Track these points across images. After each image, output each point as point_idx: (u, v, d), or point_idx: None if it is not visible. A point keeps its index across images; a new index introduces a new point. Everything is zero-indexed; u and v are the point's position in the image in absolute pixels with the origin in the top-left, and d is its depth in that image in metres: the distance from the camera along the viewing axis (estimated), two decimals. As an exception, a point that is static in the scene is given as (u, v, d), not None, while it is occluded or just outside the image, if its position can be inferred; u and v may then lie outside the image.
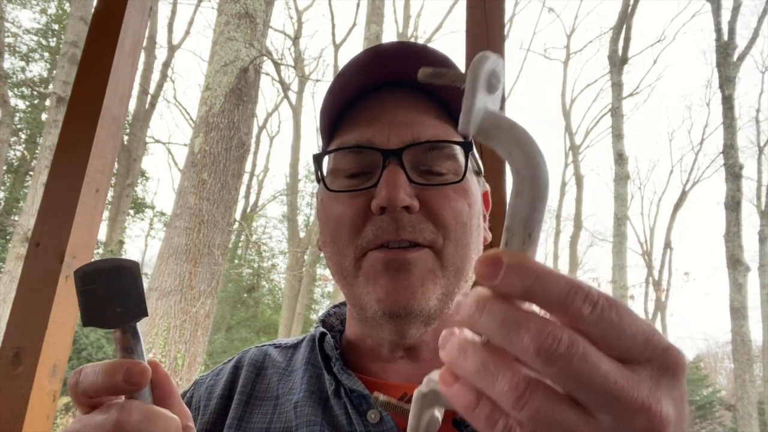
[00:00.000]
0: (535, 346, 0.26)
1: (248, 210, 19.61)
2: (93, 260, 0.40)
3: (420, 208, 0.57)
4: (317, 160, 0.64)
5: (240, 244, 19.41)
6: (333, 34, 16.56)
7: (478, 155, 0.68)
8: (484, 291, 0.29)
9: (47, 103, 13.28)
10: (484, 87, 0.30)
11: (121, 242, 15.44)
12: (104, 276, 0.39)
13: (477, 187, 0.64)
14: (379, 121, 0.61)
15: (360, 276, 0.59)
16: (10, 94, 12.45)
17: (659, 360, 0.28)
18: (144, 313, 0.40)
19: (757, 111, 16.98)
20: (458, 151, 0.61)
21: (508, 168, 0.64)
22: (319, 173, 0.64)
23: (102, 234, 14.40)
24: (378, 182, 0.57)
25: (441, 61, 0.61)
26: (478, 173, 0.66)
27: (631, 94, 18.27)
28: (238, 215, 14.04)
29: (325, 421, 0.59)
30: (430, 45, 0.62)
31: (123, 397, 0.43)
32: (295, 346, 0.71)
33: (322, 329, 0.69)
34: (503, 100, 1.12)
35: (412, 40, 16.00)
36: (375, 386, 0.60)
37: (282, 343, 0.73)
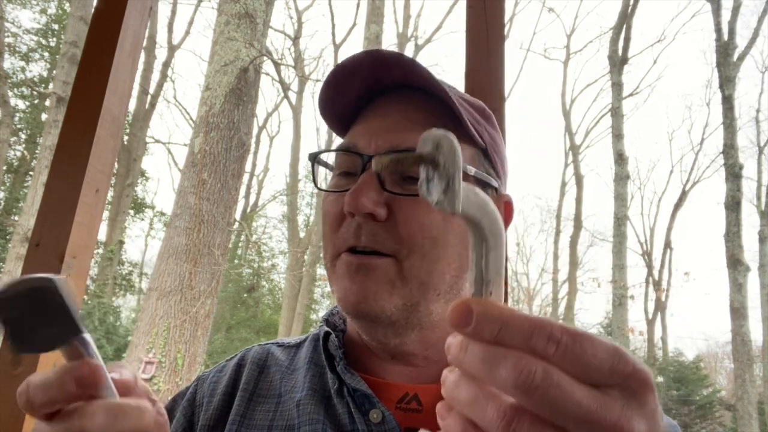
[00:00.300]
0: (512, 380, 0.29)
1: (248, 210, 19.62)
2: (7, 283, 0.37)
3: (389, 218, 0.57)
4: (312, 159, 0.67)
5: (240, 244, 19.42)
6: (333, 34, 16.57)
7: (491, 165, 0.66)
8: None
9: (47, 103, 13.28)
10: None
11: (121, 242, 15.44)
12: (24, 300, 0.37)
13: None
14: (369, 125, 0.62)
15: (334, 274, 0.61)
16: (10, 94, 12.45)
17: (627, 383, 0.30)
18: (77, 330, 0.38)
19: (757, 111, 17.00)
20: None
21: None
22: (314, 172, 0.66)
23: (102, 234, 14.40)
24: None
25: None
26: (483, 184, 0.63)
27: (631, 94, 18.28)
28: (238, 215, 14.03)
29: (327, 419, 0.59)
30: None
31: None
32: (298, 346, 0.72)
33: (326, 328, 0.69)
34: (503, 99, 1.12)
35: (412, 40, 16.05)
36: (377, 386, 0.61)
37: (285, 342, 0.74)
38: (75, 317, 0.38)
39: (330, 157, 0.67)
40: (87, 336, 0.39)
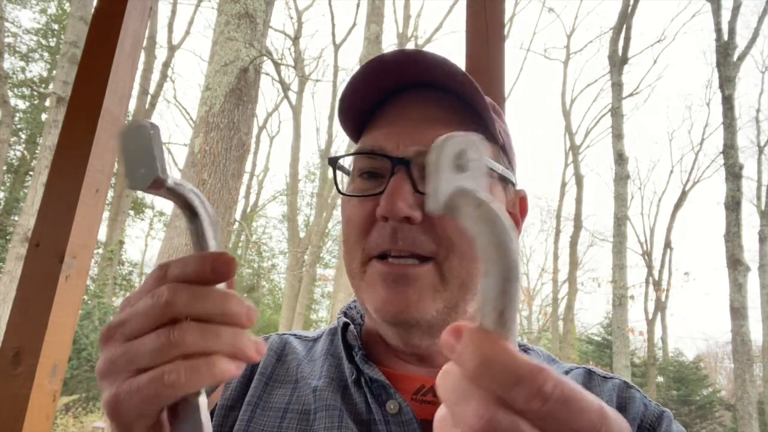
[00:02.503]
0: (472, 424, 0.27)
1: (248, 210, 19.61)
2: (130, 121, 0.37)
3: (425, 219, 0.57)
4: (332, 162, 0.65)
5: (240, 244, 19.41)
6: (333, 34, 16.57)
7: (509, 160, 0.67)
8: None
9: (47, 103, 13.28)
10: (449, 168, 0.31)
11: (121, 242, 15.43)
12: (130, 138, 0.37)
13: (495, 196, 0.63)
14: (392, 126, 0.61)
15: (364, 281, 0.60)
16: (10, 94, 12.45)
17: None
18: (152, 173, 0.36)
19: (757, 111, 16.99)
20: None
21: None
22: (335, 176, 0.65)
23: (102, 234, 14.40)
24: (385, 189, 0.58)
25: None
26: (504, 180, 0.64)
27: (631, 94, 18.27)
28: (238, 215, 14.03)
29: (344, 407, 0.59)
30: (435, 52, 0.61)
31: None
32: (315, 340, 0.73)
33: (345, 319, 0.70)
34: (503, 99, 1.12)
35: (412, 40, 16.04)
36: (394, 377, 0.61)
37: (303, 335, 0.74)
38: (155, 161, 0.36)
39: (344, 160, 0.66)
40: (171, 179, 0.38)
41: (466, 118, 0.62)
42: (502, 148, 0.65)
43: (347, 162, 0.66)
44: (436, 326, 0.58)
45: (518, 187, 0.69)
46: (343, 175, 0.67)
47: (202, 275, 0.38)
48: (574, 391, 0.27)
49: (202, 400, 0.39)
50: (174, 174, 0.38)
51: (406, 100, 0.63)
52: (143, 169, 0.36)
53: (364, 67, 0.62)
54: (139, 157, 0.36)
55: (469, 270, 0.58)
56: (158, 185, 0.36)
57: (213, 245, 0.41)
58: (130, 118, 14.85)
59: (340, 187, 0.65)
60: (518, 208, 0.68)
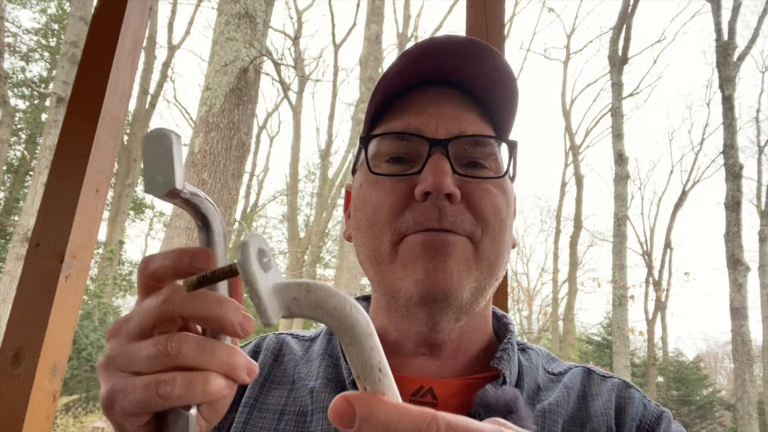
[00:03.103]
0: None
1: (248, 210, 19.61)
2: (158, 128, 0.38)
3: (461, 200, 0.58)
4: (364, 142, 0.64)
5: (240, 244, 19.35)
6: (333, 34, 16.58)
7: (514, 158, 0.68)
8: None
9: (47, 103, 13.29)
10: (261, 273, 0.31)
11: (121, 242, 15.44)
12: (150, 144, 0.37)
13: (512, 187, 0.65)
14: (426, 112, 0.62)
15: (396, 261, 0.59)
16: (10, 94, 12.45)
17: None
18: (169, 184, 0.36)
19: (757, 111, 16.99)
20: (500, 149, 0.63)
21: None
22: (364, 156, 0.64)
23: (102, 234, 14.40)
24: (422, 169, 0.58)
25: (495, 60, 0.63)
26: (512, 178, 0.66)
27: (631, 94, 18.28)
28: (238, 215, 14.03)
29: None
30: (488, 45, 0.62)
31: None
32: (312, 339, 0.72)
33: None
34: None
35: (412, 40, 16.03)
36: None
37: (300, 335, 0.73)
38: (173, 172, 0.36)
39: (358, 147, 0.67)
40: (186, 190, 0.38)
41: (486, 115, 0.64)
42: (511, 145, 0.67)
43: (367, 146, 0.65)
44: (464, 308, 0.58)
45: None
46: (355, 160, 0.67)
47: (180, 269, 0.39)
48: (470, 427, 0.27)
49: (193, 412, 0.39)
50: (189, 186, 0.39)
51: (433, 92, 0.64)
52: (161, 177, 0.36)
53: (446, 39, 0.62)
54: (159, 165, 0.36)
55: (497, 252, 0.59)
56: (174, 195, 0.37)
57: (220, 257, 0.41)
58: (130, 118, 14.86)
59: (362, 169, 0.64)
60: (514, 208, 0.69)
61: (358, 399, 0.28)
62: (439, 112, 0.62)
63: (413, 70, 0.63)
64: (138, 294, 0.42)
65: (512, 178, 0.66)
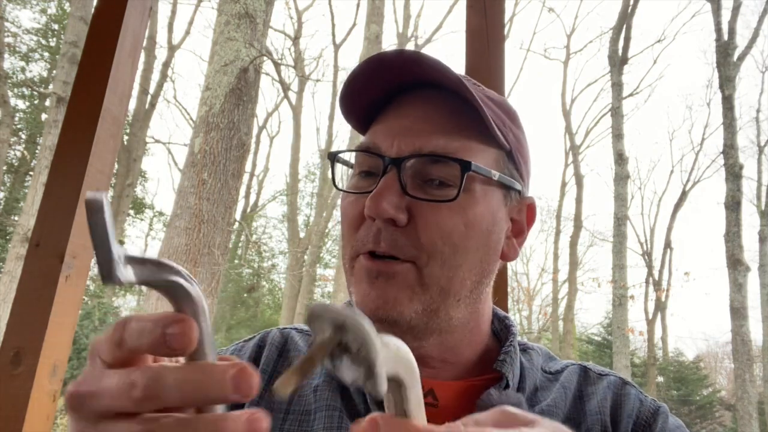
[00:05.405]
0: None
1: (248, 210, 19.61)
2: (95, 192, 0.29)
3: (410, 223, 0.57)
4: (331, 158, 0.66)
5: (240, 244, 19.41)
6: (333, 34, 16.57)
7: (515, 167, 0.65)
8: None
9: (47, 103, 13.28)
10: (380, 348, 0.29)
11: (121, 242, 15.39)
12: (90, 220, 0.29)
13: (490, 203, 0.61)
14: (390, 125, 0.61)
15: (352, 276, 0.61)
16: (10, 94, 12.45)
17: None
18: (106, 276, 0.29)
19: (757, 111, 17.00)
20: (481, 164, 0.59)
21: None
22: (333, 171, 0.66)
23: (102, 234, 14.34)
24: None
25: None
26: (506, 187, 0.63)
27: (631, 94, 18.27)
28: (238, 215, 14.04)
29: (344, 408, 0.60)
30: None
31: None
32: None
33: None
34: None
35: (412, 40, 16.04)
36: None
37: (304, 329, 0.73)
38: (102, 251, 0.29)
39: (349, 155, 0.67)
40: (132, 276, 0.30)
41: (465, 121, 0.61)
42: (508, 153, 0.64)
43: (351, 157, 0.66)
44: (418, 328, 0.58)
45: (528, 194, 0.68)
46: (346, 169, 0.67)
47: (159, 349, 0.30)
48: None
49: None
50: (135, 253, 0.31)
51: (406, 100, 0.63)
52: (99, 262, 0.29)
53: (364, 65, 0.62)
54: (96, 247, 0.29)
55: (450, 277, 0.58)
56: (118, 283, 0.29)
57: (207, 340, 0.33)
58: (130, 118, 14.86)
59: (340, 182, 0.66)
60: (524, 215, 0.67)
61: (388, 420, 0.30)
62: (402, 125, 0.60)
63: (390, 75, 0.62)
64: (99, 354, 0.33)
65: (508, 187, 0.63)
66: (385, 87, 0.64)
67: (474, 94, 0.58)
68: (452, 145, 0.59)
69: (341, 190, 0.64)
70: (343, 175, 0.67)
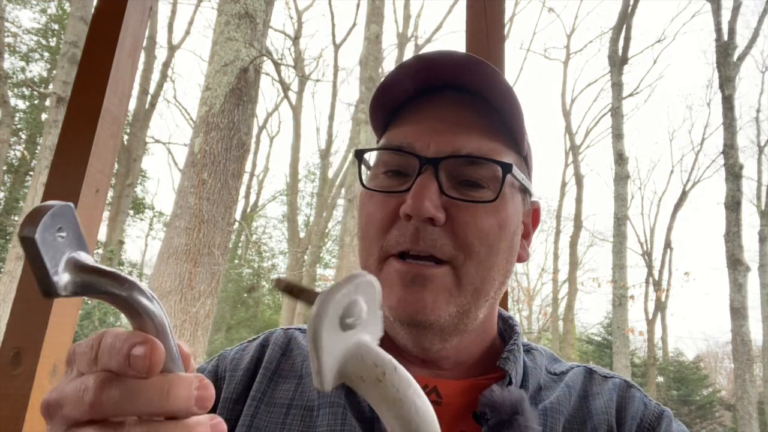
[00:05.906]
0: None
1: (248, 210, 19.61)
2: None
3: (447, 222, 0.57)
4: (358, 155, 0.65)
5: (240, 244, 19.41)
6: (333, 34, 16.58)
7: (528, 171, 0.66)
8: None
9: (47, 103, 13.28)
10: (334, 331, 0.29)
11: (121, 242, 15.43)
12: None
13: (516, 206, 0.63)
14: (423, 126, 0.61)
15: (380, 278, 0.60)
16: (10, 94, 12.45)
17: None
18: (43, 289, 0.28)
19: (757, 111, 16.99)
20: (498, 168, 0.60)
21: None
22: (360, 169, 0.65)
23: (102, 234, 14.40)
24: (411, 187, 0.57)
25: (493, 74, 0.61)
26: (524, 191, 0.65)
27: (631, 94, 18.28)
28: (238, 215, 14.04)
29: (348, 404, 0.60)
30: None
31: None
32: None
33: None
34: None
35: (412, 40, 16.03)
36: None
37: None
38: (40, 272, 0.27)
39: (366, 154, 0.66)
40: (71, 286, 0.29)
41: (495, 123, 0.62)
42: (525, 159, 0.65)
43: (370, 155, 0.66)
44: (447, 330, 0.58)
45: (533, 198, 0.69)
46: (364, 169, 0.67)
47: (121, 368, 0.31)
48: None
49: None
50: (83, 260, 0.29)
51: (435, 101, 0.63)
52: (37, 277, 0.28)
53: (409, 63, 0.61)
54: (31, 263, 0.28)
55: (484, 277, 0.58)
56: (57, 296, 0.28)
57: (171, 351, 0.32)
58: (130, 118, 14.86)
59: (363, 180, 0.65)
60: (530, 218, 0.68)
61: None
62: (435, 126, 0.60)
63: (424, 76, 0.62)
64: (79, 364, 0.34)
65: (525, 191, 0.65)
66: (420, 87, 0.63)
67: (520, 107, 0.59)
68: (487, 147, 0.60)
69: (370, 189, 0.62)
70: (363, 174, 0.66)
